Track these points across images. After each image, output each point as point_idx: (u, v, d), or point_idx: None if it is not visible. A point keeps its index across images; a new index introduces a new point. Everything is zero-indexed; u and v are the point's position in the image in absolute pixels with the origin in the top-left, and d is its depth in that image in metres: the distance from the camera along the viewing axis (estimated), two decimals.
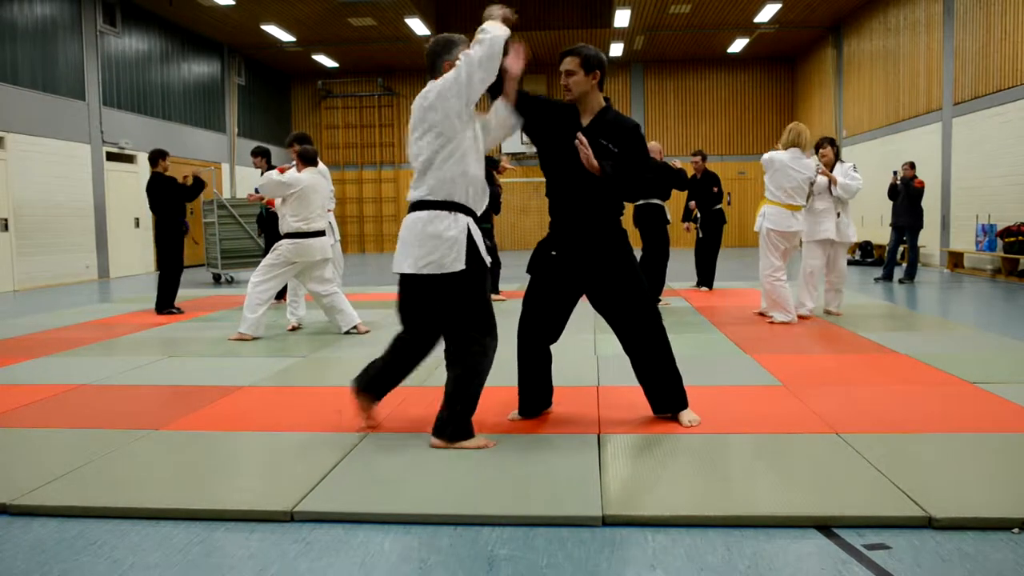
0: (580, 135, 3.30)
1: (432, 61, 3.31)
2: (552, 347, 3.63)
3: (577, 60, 3.37)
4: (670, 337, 3.58)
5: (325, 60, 20.01)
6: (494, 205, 8.43)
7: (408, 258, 3.23)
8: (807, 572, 2.18)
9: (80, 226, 13.27)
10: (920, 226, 10.84)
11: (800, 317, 6.84)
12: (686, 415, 3.54)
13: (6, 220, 11.59)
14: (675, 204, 10.14)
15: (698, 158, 9.53)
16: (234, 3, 14.69)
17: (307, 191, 6.19)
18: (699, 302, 8.28)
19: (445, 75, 3.20)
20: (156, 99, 15.72)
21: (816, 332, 6.24)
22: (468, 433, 3.26)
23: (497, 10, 3.24)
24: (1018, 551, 2.27)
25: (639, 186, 3.45)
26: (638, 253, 8.70)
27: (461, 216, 3.22)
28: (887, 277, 10.78)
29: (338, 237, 7.18)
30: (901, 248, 11.07)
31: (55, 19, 12.75)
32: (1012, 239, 10.66)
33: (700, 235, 9.57)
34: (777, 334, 6.15)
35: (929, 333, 6.14)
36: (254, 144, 12.98)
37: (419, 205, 3.25)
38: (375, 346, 5.88)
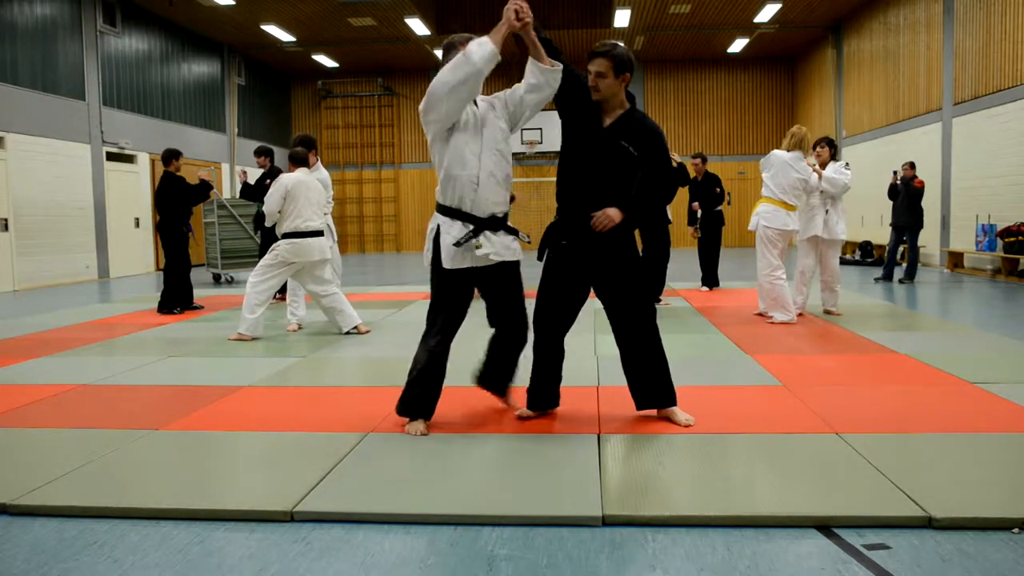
0: (595, 218, 3.35)
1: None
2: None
3: (609, 63, 3.34)
4: (671, 337, 3.59)
5: (325, 60, 20.01)
6: None
7: None
8: (807, 572, 2.18)
9: (80, 226, 13.27)
10: (920, 226, 10.84)
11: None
12: (680, 414, 3.54)
13: (6, 220, 11.59)
14: (675, 204, 10.12)
15: (698, 160, 9.53)
16: (234, 3, 14.69)
17: (293, 191, 6.18)
18: (699, 302, 8.28)
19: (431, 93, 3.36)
20: (156, 99, 15.72)
21: (816, 332, 6.24)
22: (408, 412, 3.48)
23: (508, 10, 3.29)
24: (1018, 551, 2.27)
25: (662, 199, 3.53)
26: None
27: (436, 216, 3.45)
28: (887, 277, 10.78)
29: (335, 239, 7.17)
30: (901, 248, 11.07)
31: (55, 19, 12.75)
32: (1012, 239, 10.66)
33: (700, 236, 9.58)
34: (777, 334, 6.15)
35: (929, 333, 6.14)
36: (254, 144, 13.04)
37: None
38: (375, 346, 5.90)
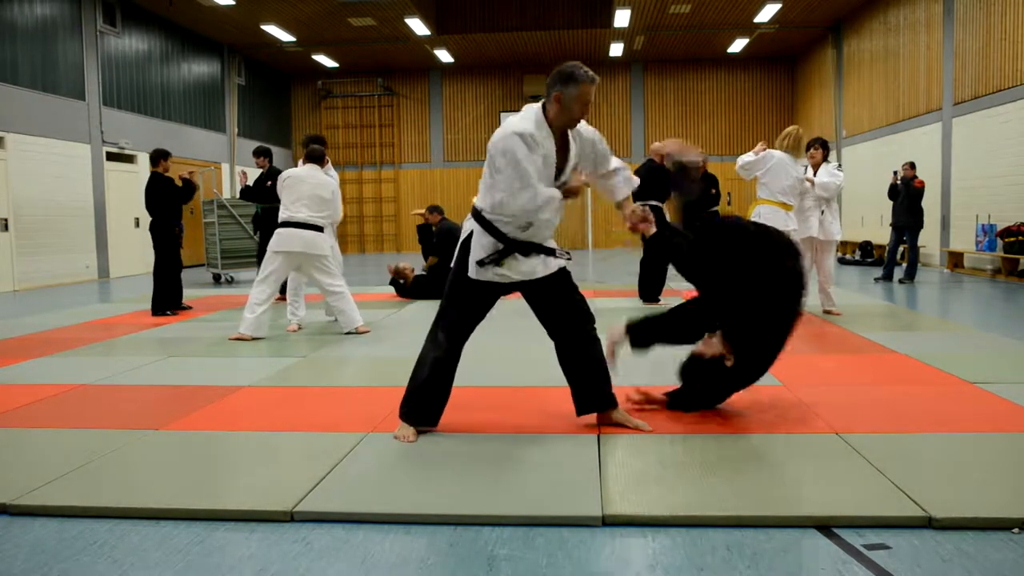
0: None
1: (548, 86, 3.25)
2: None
3: None
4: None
5: (325, 60, 20.01)
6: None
7: None
8: (807, 572, 2.18)
9: (80, 226, 13.27)
10: (920, 226, 10.84)
11: None
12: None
13: (6, 220, 11.59)
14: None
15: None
16: (234, 3, 14.68)
17: (288, 183, 6.26)
18: None
19: (500, 162, 3.15)
20: (156, 99, 15.72)
21: (816, 332, 6.23)
22: (408, 418, 3.40)
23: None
24: (1018, 551, 2.27)
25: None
26: (638, 254, 8.77)
27: (472, 219, 3.38)
28: (887, 277, 10.78)
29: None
30: (901, 248, 11.07)
31: (55, 19, 12.74)
32: (1012, 239, 10.65)
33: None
34: None
35: (929, 333, 6.14)
36: (254, 144, 12.99)
37: None
38: (375, 346, 5.89)
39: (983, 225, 11.48)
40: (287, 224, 6.17)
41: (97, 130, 13.65)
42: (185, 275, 9.19)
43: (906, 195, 10.71)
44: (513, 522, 2.52)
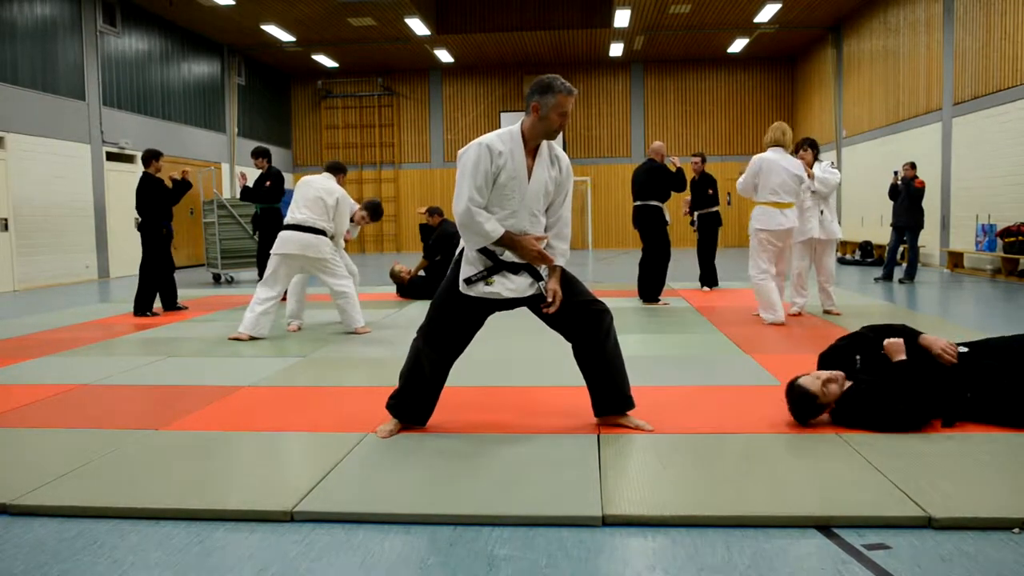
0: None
1: (527, 97, 3.28)
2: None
3: None
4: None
5: (325, 60, 20.01)
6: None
7: None
8: (807, 572, 2.17)
9: (80, 226, 13.27)
10: (920, 226, 10.84)
11: (792, 315, 6.94)
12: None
13: (6, 220, 11.59)
14: (673, 205, 10.13)
15: (698, 160, 9.55)
16: (234, 3, 14.68)
17: (301, 184, 6.36)
18: (699, 302, 8.28)
19: (459, 169, 3.23)
20: (156, 99, 15.72)
21: (816, 332, 6.23)
22: (394, 411, 3.44)
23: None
24: (1018, 551, 2.27)
25: None
26: (638, 254, 8.77)
27: None
28: (887, 277, 10.78)
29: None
30: (901, 248, 11.07)
31: (55, 19, 12.75)
32: (1012, 239, 10.66)
33: (698, 236, 9.63)
34: (776, 334, 6.14)
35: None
36: (254, 144, 13.00)
37: None
38: (375, 346, 5.90)
39: (983, 225, 11.48)
40: (287, 227, 6.23)
41: (97, 130, 13.65)
42: (185, 275, 9.21)
43: (906, 195, 10.71)
44: (513, 522, 2.52)
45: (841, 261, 14.82)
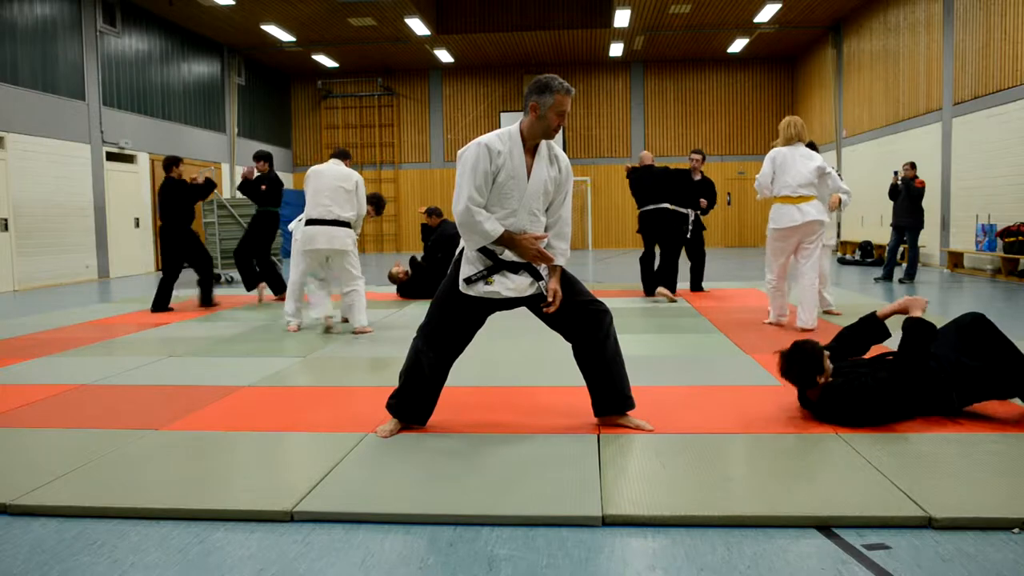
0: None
1: (525, 97, 3.29)
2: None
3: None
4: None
5: (325, 60, 20.01)
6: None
7: None
8: (807, 572, 2.17)
9: (80, 226, 13.27)
10: (920, 226, 10.85)
11: (769, 324, 6.61)
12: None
13: (6, 220, 11.59)
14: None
15: (698, 156, 9.47)
16: (234, 3, 14.69)
17: (313, 175, 6.32)
18: (699, 302, 8.28)
19: (458, 169, 3.25)
20: (156, 99, 15.72)
21: (816, 332, 6.23)
22: (394, 411, 3.44)
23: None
24: (1018, 551, 2.27)
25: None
26: (638, 254, 8.79)
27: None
28: (887, 277, 10.78)
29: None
30: (901, 248, 11.08)
31: (55, 19, 12.75)
32: (1012, 239, 10.66)
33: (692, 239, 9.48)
34: (777, 334, 6.14)
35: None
36: (254, 144, 13.04)
37: None
38: (375, 346, 5.89)
39: (983, 225, 11.48)
40: (311, 222, 6.19)
41: (97, 130, 13.65)
42: (185, 275, 9.21)
43: (906, 195, 10.71)
44: (513, 522, 2.52)
45: (841, 261, 14.82)
